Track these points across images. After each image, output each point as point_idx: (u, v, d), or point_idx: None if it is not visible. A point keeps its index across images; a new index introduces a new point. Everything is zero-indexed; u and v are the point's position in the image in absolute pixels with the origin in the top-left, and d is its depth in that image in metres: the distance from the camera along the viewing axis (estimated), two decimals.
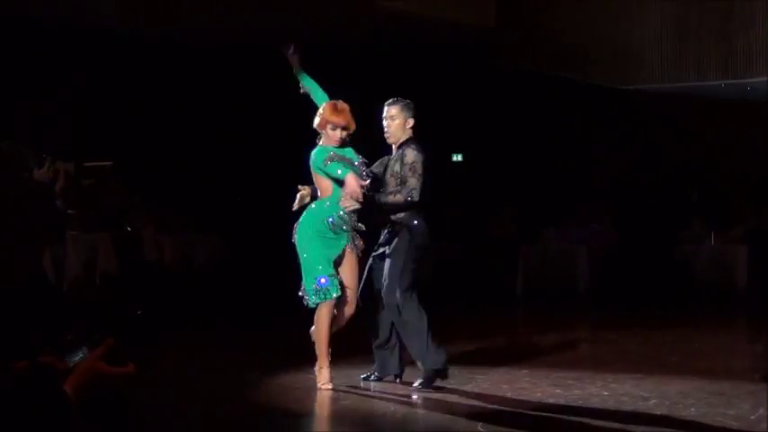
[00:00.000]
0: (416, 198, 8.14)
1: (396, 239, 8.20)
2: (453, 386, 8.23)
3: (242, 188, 18.39)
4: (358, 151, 8.24)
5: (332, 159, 8.04)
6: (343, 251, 8.15)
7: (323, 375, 8.04)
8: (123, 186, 15.60)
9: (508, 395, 8.03)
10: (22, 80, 15.92)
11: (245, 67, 17.96)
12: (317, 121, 8.14)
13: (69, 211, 12.91)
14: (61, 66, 16.62)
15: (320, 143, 8.17)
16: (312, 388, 8.07)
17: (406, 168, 8.17)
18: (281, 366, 9.07)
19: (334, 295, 7.96)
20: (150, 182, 17.02)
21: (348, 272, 8.20)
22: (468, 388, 8.23)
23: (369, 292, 8.35)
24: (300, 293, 8.06)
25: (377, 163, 8.41)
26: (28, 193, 5.98)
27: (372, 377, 8.40)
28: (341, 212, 8.07)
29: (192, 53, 17.77)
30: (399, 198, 8.15)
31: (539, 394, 8.02)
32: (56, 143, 12.56)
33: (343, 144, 8.17)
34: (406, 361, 8.36)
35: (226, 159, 18.46)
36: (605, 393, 8.05)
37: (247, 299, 15.39)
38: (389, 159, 8.34)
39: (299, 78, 8.45)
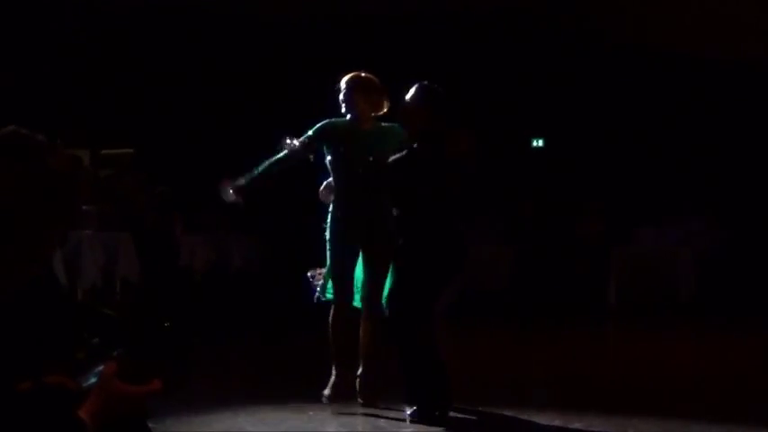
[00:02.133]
0: None
1: None
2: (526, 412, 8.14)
3: (281, 181, 18.35)
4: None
5: None
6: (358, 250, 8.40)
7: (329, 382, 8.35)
8: (147, 178, 15.63)
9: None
10: (30, 55, 16.04)
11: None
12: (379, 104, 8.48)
13: (84, 207, 12.94)
14: (73, 39, 16.73)
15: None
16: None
17: None
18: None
19: (329, 298, 8.34)
20: (178, 173, 17.07)
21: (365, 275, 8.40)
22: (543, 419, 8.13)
23: None
24: None
25: None
26: (40, 185, 5.97)
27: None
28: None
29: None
30: None
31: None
32: (69, 128, 12.64)
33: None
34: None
35: (264, 148, 18.47)
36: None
37: (288, 305, 15.33)
38: None
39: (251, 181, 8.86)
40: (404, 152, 8.09)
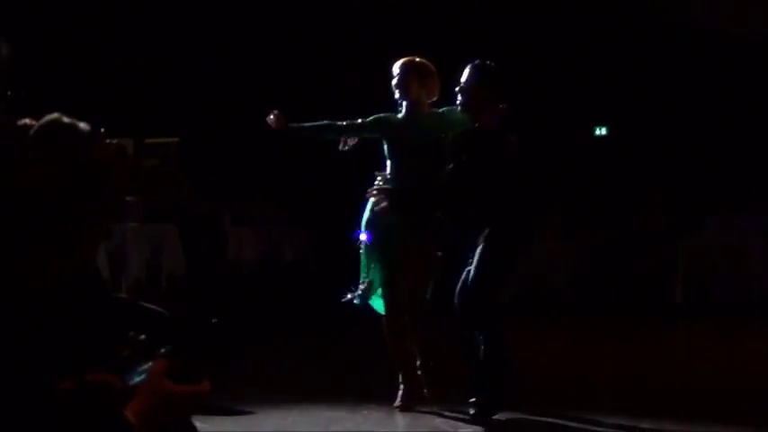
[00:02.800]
0: None
1: None
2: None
3: (335, 171, 18.38)
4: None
5: None
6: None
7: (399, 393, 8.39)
8: (193, 167, 15.68)
9: None
10: (76, 42, 16.16)
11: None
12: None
13: (128, 198, 12.99)
14: (119, 27, 16.84)
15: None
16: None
17: None
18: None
19: (375, 306, 8.46)
20: (226, 162, 17.13)
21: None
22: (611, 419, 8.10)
23: None
24: None
25: None
26: (82, 176, 6.01)
27: None
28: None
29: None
30: None
31: None
32: (113, 115, 12.69)
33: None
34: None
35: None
36: None
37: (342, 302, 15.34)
38: None
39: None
40: (469, 136, 8.12)
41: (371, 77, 9.04)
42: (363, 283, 8.46)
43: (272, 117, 9.15)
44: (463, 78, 8.16)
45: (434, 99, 8.57)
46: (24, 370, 2.93)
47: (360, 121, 8.61)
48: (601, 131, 20.65)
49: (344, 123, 8.70)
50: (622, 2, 19.15)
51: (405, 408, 8.26)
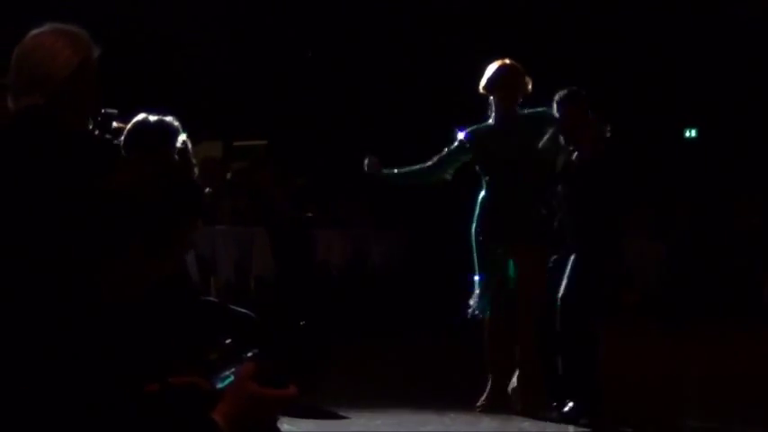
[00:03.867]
0: None
1: None
2: None
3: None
4: None
5: None
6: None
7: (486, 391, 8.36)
8: (282, 170, 15.75)
9: None
10: (168, 49, 16.31)
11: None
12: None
13: (218, 201, 13.12)
14: (208, 36, 16.99)
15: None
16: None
17: None
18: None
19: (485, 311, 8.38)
20: (315, 165, 17.20)
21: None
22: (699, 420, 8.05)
23: None
24: None
25: None
26: (176, 177, 6.10)
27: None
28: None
29: None
30: None
31: None
32: (203, 119, 12.81)
33: None
34: None
35: (404, 138, 18.55)
36: None
37: (430, 305, 15.36)
38: None
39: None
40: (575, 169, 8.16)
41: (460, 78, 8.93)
42: (479, 288, 8.42)
43: (368, 162, 9.01)
44: (555, 111, 8.21)
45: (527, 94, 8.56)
46: (113, 371, 2.97)
47: (442, 156, 8.67)
48: (691, 134, 20.39)
49: (431, 164, 8.72)
50: (715, 4, 19.01)
51: (486, 408, 8.25)
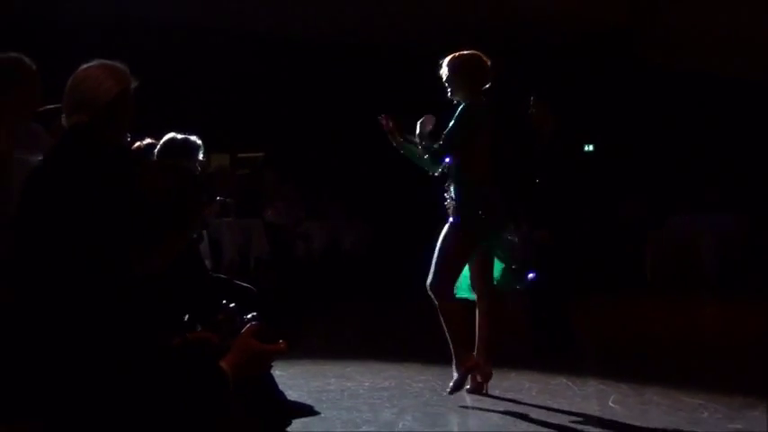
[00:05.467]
0: None
1: None
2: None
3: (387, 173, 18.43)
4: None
5: None
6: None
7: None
8: (276, 176, 15.75)
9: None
10: (191, 82, 16.26)
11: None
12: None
13: (227, 200, 13.10)
14: (223, 69, 16.93)
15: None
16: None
17: None
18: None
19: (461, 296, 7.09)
20: (304, 172, 17.18)
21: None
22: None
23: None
24: None
25: None
26: (193, 179, 6.24)
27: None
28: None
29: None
30: None
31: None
32: (214, 136, 12.77)
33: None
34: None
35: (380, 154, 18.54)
36: None
37: (392, 284, 15.30)
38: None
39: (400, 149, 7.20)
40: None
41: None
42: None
43: (423, 120, 7.05)
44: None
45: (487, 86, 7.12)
46: (146, 328, 2.99)
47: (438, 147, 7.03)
48: (589, 148, 19.83)
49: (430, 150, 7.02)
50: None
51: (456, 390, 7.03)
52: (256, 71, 17.26)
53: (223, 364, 3.02)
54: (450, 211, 7.00)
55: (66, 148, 4.34)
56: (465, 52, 7.00)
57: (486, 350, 7.04)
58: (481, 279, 7.06)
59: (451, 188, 7.01)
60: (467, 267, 7.01)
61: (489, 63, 7.02)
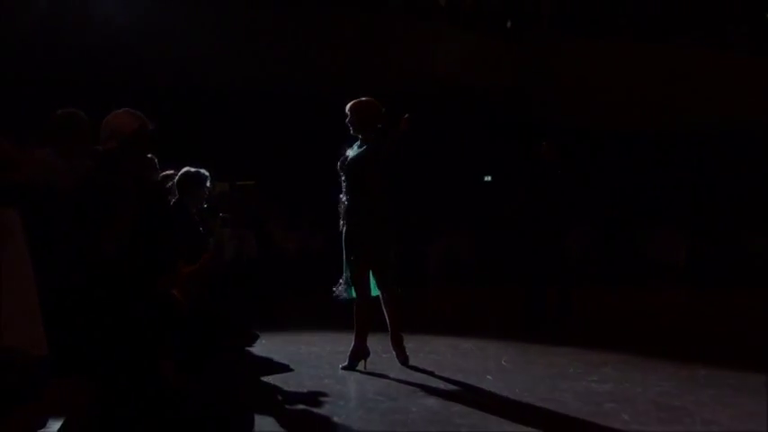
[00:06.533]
0: None
1: None
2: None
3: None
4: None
5: None
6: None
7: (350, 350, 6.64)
8: (263, 198, 15.73)
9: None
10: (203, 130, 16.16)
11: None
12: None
13: (226, 215, 13.09)
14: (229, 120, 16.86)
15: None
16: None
17: None
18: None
19: (353, 296, 6.58)
20: (283, 195, 17.16)
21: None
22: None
23: None
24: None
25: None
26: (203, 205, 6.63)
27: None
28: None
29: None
30: None
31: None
32: (217, 169, 12.73)
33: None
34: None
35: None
36: None
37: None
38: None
39: None
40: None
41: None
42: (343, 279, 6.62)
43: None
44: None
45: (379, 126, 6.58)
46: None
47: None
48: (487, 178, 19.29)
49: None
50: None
51: (353, 361, 6.63)
52: (251, 121, 17.26)
53: (174, 291, 3.12)
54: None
55: (104, 165, 4.46)
56: (363, 99, 6.50)
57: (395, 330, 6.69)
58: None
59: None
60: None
61: (382, 109, 6.48)
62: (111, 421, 2.91)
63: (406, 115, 6.16)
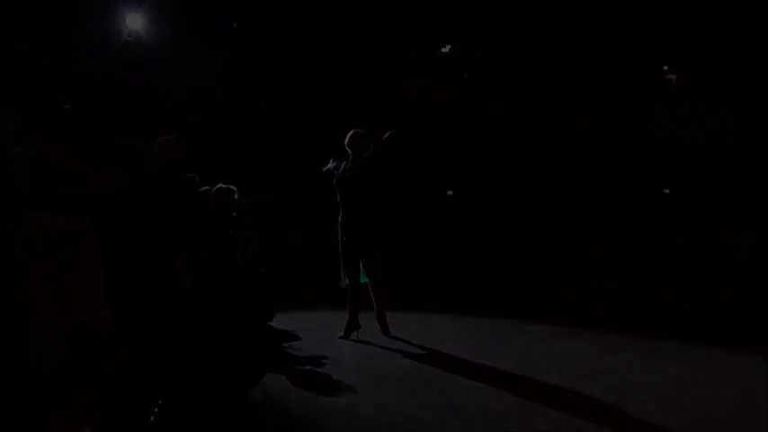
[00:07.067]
0: None
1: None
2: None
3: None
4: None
5: None
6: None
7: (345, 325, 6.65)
8: (276, 207, 15.54)
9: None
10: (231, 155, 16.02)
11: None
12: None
13: (247, 220, 12.97)
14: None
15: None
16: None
17: None
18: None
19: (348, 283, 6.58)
20: (295, 204, 16.97)
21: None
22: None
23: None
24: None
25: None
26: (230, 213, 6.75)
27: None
28: None
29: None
30: None
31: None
32: (242, 185, 12.60)
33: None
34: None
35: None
36: None
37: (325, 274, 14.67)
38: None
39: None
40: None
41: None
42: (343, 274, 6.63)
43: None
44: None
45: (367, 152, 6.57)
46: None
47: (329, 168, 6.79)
48: (450, 193, 18.72)
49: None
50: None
51: (346, 334, 6.66)
52: (267, 149, 17.10)
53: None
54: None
55: (156, 183, 4.40)
56: (359, 129, 6.60)
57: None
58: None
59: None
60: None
61: (371, 136, 6.55)
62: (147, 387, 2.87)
63: (391, 130, 6.41)
